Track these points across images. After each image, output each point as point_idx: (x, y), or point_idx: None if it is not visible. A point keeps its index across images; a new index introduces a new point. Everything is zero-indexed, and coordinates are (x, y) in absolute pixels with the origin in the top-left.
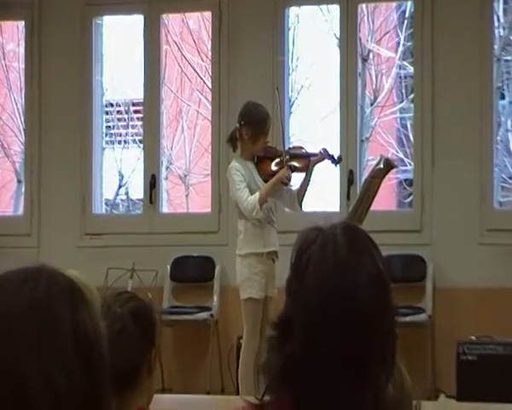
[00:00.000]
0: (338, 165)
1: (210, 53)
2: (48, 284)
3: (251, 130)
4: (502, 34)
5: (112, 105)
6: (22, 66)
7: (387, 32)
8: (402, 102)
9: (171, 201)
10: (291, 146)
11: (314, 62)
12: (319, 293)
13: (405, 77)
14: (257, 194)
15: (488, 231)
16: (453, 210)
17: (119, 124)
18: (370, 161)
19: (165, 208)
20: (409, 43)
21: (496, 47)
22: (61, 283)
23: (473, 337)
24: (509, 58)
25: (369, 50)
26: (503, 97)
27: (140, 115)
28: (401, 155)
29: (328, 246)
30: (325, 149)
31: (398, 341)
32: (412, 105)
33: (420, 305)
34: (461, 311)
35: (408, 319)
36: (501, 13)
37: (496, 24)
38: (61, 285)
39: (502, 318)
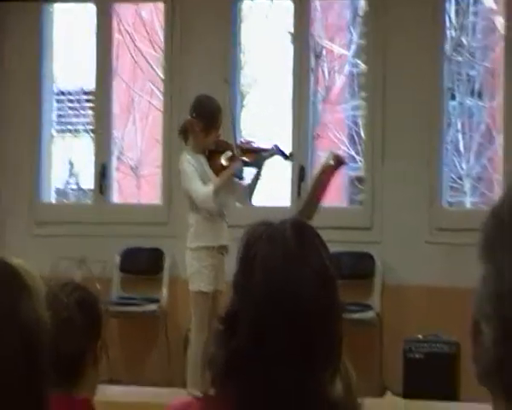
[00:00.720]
0: (289, 161)
1: (163, 44)
2: None
3: (203, 123)
4: (453, 35)
5: (63, 93)
6: None
7: (340, 29)
8: (354, 99)
9: (122, 191)
10: (242, 140)
11: (267, 57)
12: (266, 288)
13: (357, 74)
14: (210, 185)
15: (437, 230)
16: (403, 208)
17: (71, 112)
18: (322, 157)
19: (115, 198)
20: (361, 41)
21: (447, 47)
22: (3, 270)
23: (420, 336)
24: (459, 59)
25: (322, 47)
26: (453, 98)
27: (91, 105)
28: (352, 153)
29: (276, 241)
30: (276, 145)
31: (345, 337)
32: (364, 103)
33: (368, 302)
34: (408, 309)
35: (356, 316)
36: (453, 14)
37: (447, 25)
38: (2, 273)
39: (449, 317)
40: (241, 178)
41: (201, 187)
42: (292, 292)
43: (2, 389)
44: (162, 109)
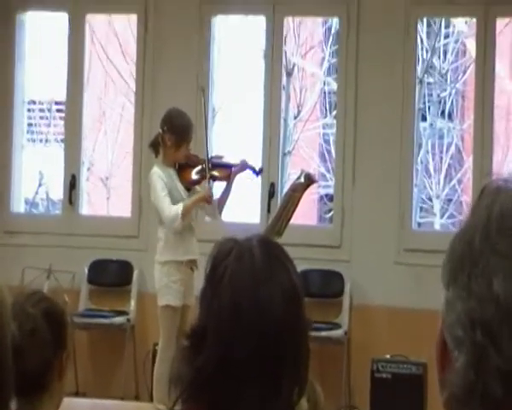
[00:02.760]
0: (259, 176)
1: (135, 56)
2: None
3: (174, 137)
4: (425, 57)
5: (34, 102)
6: None
7: (313, 47)
8: (325, 117)
9: (92, 203)
10: (213, 155)
11: (238, 73)
12: (234, 305)
13: (329, 93)
14: (180, 205)
15: (405, 251)
16: (372, 228)
17: (41, 122)
18: (292, 175)
19: (84, 210)
20: (334, 60)
21: (419, 69)
22: None
23: (387, 356)
24: (431, 81)
25: (294, 64)
26: (424, 119)
27: (63, 115)
28: (323, 170)
29: (245, 258)
30: (246, 161)
31: (313, 355)
32: (335, 121)
33: (336, 321)
34: (377, 329)
35: (324, 334)
36: (424, 36)
37: (419, 46)
38: None
39: (416, 338)
40: (210, 203)
41: (169, 207)
42: (259, 309)
43: None
44: (133, 122)
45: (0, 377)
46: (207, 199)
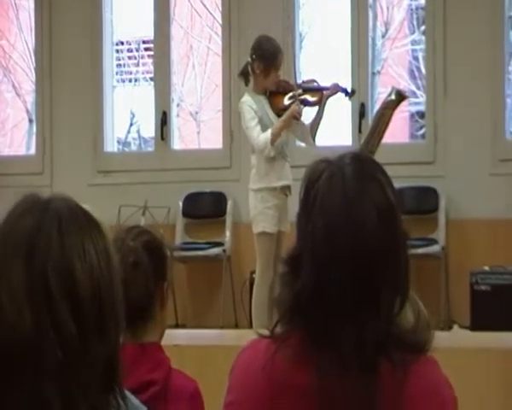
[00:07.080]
0: (351, 98)
1: None
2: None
3: (263, 64)
4: None
5: (122, 43)
6: (32, 5)
7: None
8: (413, 34)
9: (183, 137)
10: (303, 80)
11: None
12: (326, 228)
13: (417, 8)
14: (268, 132)
15: (500, 161)
16: (466, 141)
17: (130, 62)
18: (382, 94)
19: (176, 145)
20: None
21: None
22: (77, 211)
23: (486, 268)
24: None
25: None
26: None
27: (151, 53)
28: (413, 88)
29: (336, 178)
30: (337, 83)
31: (411, 272)
32: (424, 37)
33: (433, 236)
34: (474, 242)
35: (421, 250)
36: None
37: None
38: (76, 213)
39: None
40: (299, 119)
41: (259, 134)
42: (352, 229)
43: (77, 335)
44: (221, 54)
45: (111, 309)
46: (295, 115)
